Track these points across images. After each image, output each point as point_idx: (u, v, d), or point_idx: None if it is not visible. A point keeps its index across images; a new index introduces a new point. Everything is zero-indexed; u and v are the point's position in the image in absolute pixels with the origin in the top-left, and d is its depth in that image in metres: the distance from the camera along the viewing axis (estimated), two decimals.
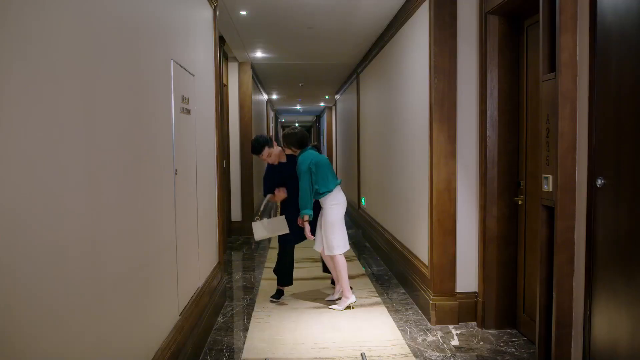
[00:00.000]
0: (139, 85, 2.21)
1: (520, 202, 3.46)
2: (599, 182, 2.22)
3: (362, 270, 5.37)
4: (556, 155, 2.46)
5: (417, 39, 4.26)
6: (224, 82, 6.77)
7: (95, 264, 1.73)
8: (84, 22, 1.68)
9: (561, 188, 2.45)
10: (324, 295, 4.44)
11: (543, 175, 2.60)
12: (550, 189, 2.53)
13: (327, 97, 13.25)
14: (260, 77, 9.23)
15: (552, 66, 2.54)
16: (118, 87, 1.97)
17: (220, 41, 5.85)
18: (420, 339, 3.44)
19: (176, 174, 2.79)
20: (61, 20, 1.52)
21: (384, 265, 5.62)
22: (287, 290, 4.47)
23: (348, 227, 8.43)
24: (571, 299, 2.45)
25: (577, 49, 2.39)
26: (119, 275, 1.94)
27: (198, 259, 3.40)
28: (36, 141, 1.37)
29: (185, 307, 2.96)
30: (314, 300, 4.32)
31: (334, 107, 14.97)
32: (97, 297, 1.74)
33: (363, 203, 7.84)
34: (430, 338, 3.46)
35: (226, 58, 7.02)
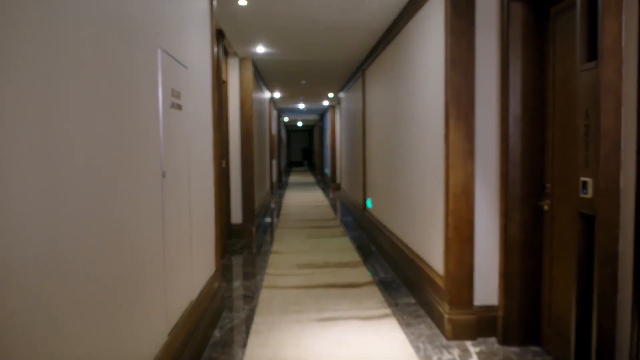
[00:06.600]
0: (116, 74, 1.90)
1: (546, 207, 3.15)
2: None
3: (369, 276, 5.05)
4: (597, 156, 2.14)
5: (430, 29, 3.95)
6: (224, 78, 6.47)
7: (57, 286, 1.43)
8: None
9: (603, 193, 2.13)
10: (329, 306, 4.13)
11: (581, 179, 2.28)
12: (590, 195, 2.22)
13: (330, 95, 12.94)
14: (262, 74, 8.93)
15: (592, 54, 2.22)
16: (89, 74, 1.66)
17: (220, 35, 5.55)
18: (435, 358, 3.13)
19: (164, 176, 2.48)
20: None
21: (392, 271, 5.31)
22: (289, 300, 4.14)
23: (352, 229, 8.19)
24: (614, 321, 2.13)
25: (622, 33, 2.08)
26: (89, 297, 1.64)
27: (192, 269, 3.10)
28: None
29: (175, 325, 2.66)
30: (319, 311, 4.00)
31: (337, 106, 14.67)
32: (59, 325, 1.44)
33: (369, 205, 7.53)
34: (446, 356, 3.15)
35: (226, 53, 6.72)
